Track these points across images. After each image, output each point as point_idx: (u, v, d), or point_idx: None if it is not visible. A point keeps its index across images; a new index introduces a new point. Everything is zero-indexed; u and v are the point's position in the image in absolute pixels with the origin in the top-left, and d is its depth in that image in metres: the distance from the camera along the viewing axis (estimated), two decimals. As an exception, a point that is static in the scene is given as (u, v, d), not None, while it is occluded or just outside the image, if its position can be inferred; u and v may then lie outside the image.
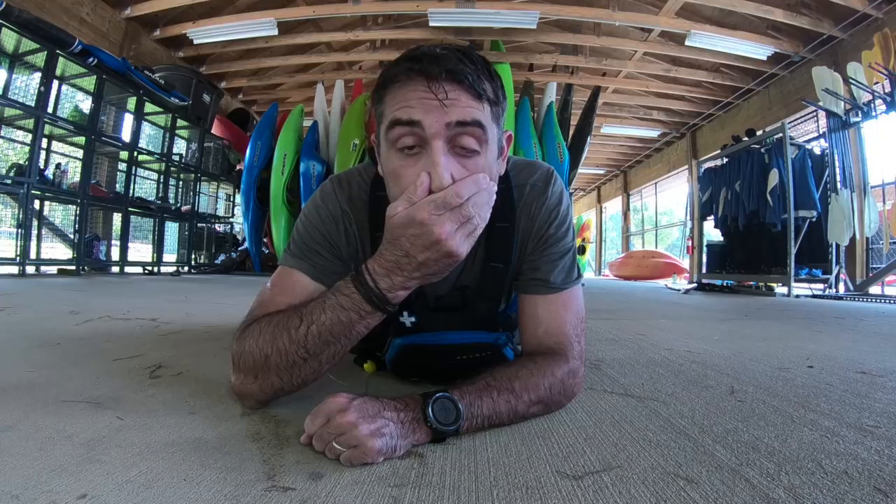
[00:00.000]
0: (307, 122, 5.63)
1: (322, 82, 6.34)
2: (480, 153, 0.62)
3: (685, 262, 9.30)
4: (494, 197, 0.65)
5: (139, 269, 5.25)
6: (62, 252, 4.54)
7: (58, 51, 3.88)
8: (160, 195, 5.49)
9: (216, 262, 6.35)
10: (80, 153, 4.40)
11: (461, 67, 0.59)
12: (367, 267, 0.60)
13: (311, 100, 6.03)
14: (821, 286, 4.95)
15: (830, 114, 4.77)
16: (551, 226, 0.78)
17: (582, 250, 11.40)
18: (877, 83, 4.47)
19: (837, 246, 4.71)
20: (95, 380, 0.83)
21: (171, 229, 5.88)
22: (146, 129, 5.38)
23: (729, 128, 7.47)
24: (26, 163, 3.80)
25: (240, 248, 6.64)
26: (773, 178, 4.88)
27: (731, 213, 5.51)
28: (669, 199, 12.41)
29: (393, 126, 0.60)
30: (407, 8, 5.80)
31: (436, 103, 0.58)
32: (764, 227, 5.06)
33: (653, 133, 9.68)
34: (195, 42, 6.37)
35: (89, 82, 4.33)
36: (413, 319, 0.79)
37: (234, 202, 7.23)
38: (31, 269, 4.03)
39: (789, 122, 6.29)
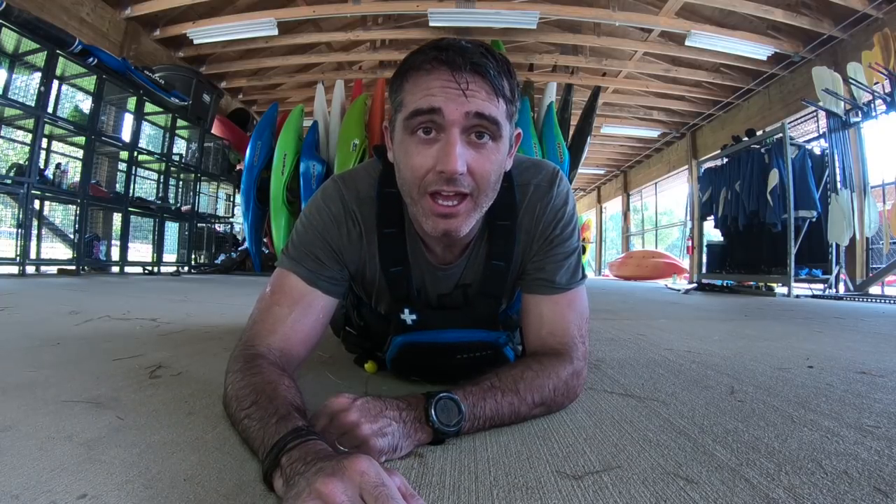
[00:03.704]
0: (307, 122, 5.62)
1: (322, 82, 6.33)
2: (495, 145, 0.64)
3: (685, 263, 9.29)
4: (497, 190, 0.69)
5: (139, 269, 5.25)
6: (62, 252, 4.53)
7: (58, 51, 3.87)
8: (160, 195, 5.49)
9: (216, 262, 6.35)
10: (80, 153, 4.40)
11: (484, 61, 0.61)
12: (288, 452, 0.44)
13: (311, 100, 6.02)
14: (821, 286, 4.95)
15: (830, 114, 4.77)
16: (557, 226, 0.78)
17: (582, 250, 11.38)
18: (877, 83, 4.47)
19: (837, 246, 4.71)
20: (95, 380, 0.83)
21: (171, 229, 5.88)
22: (146, 129, 5.38)
23: (729, 128, 7.47)
24: (26, 163, 3.80)
25: (240, 248, 6.64)
26: (773, 178, 4.88)
27: (731, 213, 5.51)
28: (669, 199, 12.42)
29: (414, 116, 0.62)
30: (407, 8, 5.80)
31: (457, 92, 0.60)
32: (764, 227, 5.06)
33: (653, 133, 9.68)
34: (195, 42, 6.37)
35: (89, 82, 4.33)
36: (414, 317, 0.79)
37: (234, 202, 7.23)
38: (31, 269, 4.02)
39: (789, 122, 6.29)
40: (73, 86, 4.44)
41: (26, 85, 3.91)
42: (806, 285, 5.09)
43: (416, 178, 0.64)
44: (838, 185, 4.63)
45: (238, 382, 0.59)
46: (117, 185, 5.07)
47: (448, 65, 0.60)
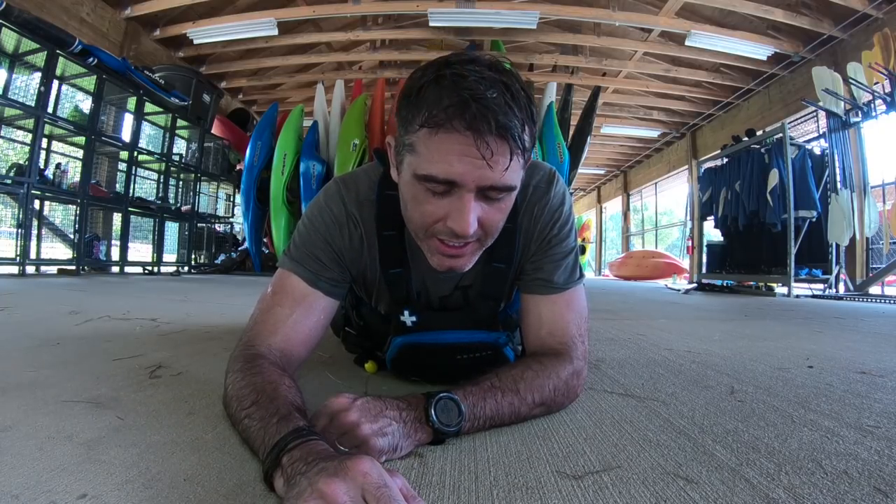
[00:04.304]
0: (307, 122, 5.63)
1: (322, 82, 6.34)
2: (508, 196, 0.63)
3: (685, 262, 9.29)
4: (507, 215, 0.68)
5: (139, 269, 5.25)
6: (62, 252, 4.53)
7: (58, 51, 3.87)
8: (160, 195, 5.49)
9: (216, 262, 6.35)
10: (80, 153, 4.40)
11: (510, 121, 0.56)
12: (289, 452, 0.44)
13: (311, 100, 6.03)
14: (821, 286, 4.95)
15: (830, 114, 4.77)
16: (554, 226, 0.78)
17: (582, 250, 11.41)
18: (877, 83, 4.47)
19: (837, 246, 4.71)
20: (95, 380, 0.83)
21: (171, 229, 5.88)
22: (146, 129, 5.38)
23: (729, 128, 7.46)
24: (26, 163, 3.80)
25: (240, 248, 6.64)
26: (773, 178, 4.88)
27: (731, 213, 5.51)
28: (669, 199, 12.43)
29: (427, 180, 0.59)
30: (407, 8, 5.80)
31: (479, 162, 0.56)
32: (764, 227, 5.06)
33: (653, 133, 9.68)
34: (195, 42, 6.37)
35: (89, 82, 4.33)
36: (414, 318, 0.79)
37: (234, 202, 7.23)
38: (31, 269, 4.02)
39: (789, 122, 6.29)
40: (73, 86, 4.43)
41: (26, 85, 3.91)
42: (806, 285, 5.09)
43: (425, 225, 0.64)
44: (838, 185, 4.63)
45: (238, 382, 0.59)
46: (117, 185, 5.07)
47: (472, 130, 0.55)
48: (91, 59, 4.21)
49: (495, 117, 0.55)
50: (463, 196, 0.59)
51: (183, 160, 5.85)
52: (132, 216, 5.06)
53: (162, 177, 5.58)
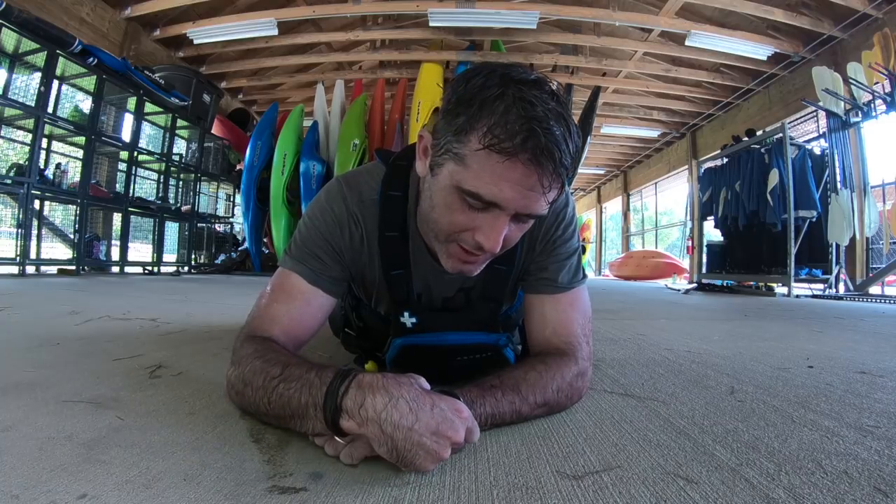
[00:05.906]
0: (307, 122, 5.64)
1: (322, 82, 6.35)
2: (531, 221, 0.65)
3: (685, 262, 9.29)
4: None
5: (139, 269, 5.25)
6: (62, 252, 4.53)
7: (58, 51, 3.88)
8: (160, 195, 5.49)
9: (216, 262, 6.35)
10: (80, 153, 4.40)
11: (566, 159, 0.57)
12: (348, 383, 0.51)
13: (311, 100, 6.05)
14: (821, 286, 4.95)
15: (830, 114, 4.77)
16: (559, 227, 0.79)
17: (582, 250, 11.39)
18: (877, 83, 4.47)
19: (837, 246, 4.71)
20: (95, 380, 0.83)
21: (171, 229, 5.88)
22: (146, 129, 5.38)
23: (729, 128, 7.46)
24: (26, 163, 3.80)
25: (240, 248, 6.64)
26: (773, 178, 4.88)
27: (731, 213, 5.51)
28: (669, 199, 12.42)
29: (473, 196, 0.58)
30: (407, 8, 5.80)
31: (531, 194, 0.57)
32: (764, 227, 5.06)
33: (653, 133, 9.67)
34: (195, 42, 6.37)
35: (89, 82, 4.33)
36: (414, 320, 0.79)
37: (234, 202, 7.23)
38: (31, 269, 4.02)
39: (789, 122, 6.29)
40: (73, 86, 4.44)
41: (26, 85, 3.91)
42: (806, 285, 5.09)
43: (451, 231, 0.64)
44: (838, 185, 4.63)
45: (258, 360, 0.61)
46: (117, 185, 5.07)
47: (535, 164, 0.55)
48: (91, 59, 4.21)
49: (559, 157, 0.56)
50: (500, 217, 0.60)
51: (183, 160, 5.85)
52: (132, 216, 5.06)
53: (162, 177, 5.58)
